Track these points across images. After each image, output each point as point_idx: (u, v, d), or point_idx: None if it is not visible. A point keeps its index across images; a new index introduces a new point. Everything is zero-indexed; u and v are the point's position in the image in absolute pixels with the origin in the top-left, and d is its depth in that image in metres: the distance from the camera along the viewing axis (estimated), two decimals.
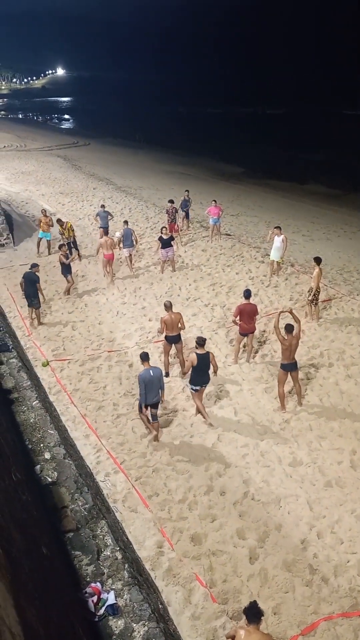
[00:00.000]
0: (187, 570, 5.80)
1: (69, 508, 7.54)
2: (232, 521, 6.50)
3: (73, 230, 15.88)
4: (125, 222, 15.21)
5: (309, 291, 11.76)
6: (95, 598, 6.09)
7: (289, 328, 8.37)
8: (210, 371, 8.28)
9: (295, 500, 6.83)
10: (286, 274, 14.73)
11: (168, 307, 9.55)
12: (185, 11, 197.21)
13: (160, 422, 8.20)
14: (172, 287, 14.01)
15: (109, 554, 6.83)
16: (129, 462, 7.52)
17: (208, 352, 8.20)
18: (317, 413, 8.65)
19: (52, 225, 16.44)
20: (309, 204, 26.67)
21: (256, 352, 10.61)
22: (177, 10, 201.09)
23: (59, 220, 15.86)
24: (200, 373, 8.17)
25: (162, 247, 14.58)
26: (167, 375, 9.65)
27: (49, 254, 16.77)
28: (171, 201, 17.44)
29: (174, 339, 9.61)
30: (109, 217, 17.07)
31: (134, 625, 5.89)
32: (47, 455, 8.71)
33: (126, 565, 6.59)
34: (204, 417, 8.39)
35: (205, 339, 8.21)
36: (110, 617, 5.98)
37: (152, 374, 7.59)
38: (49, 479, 8.16)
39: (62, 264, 13.10)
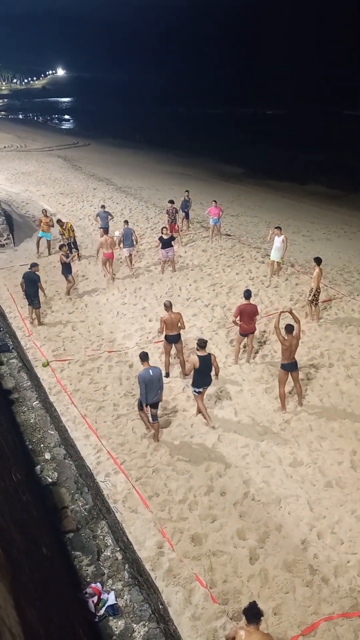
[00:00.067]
0: (187, 570, 5.81)
1: (69, 508, 7.54)
2: (232, 521, 6.50)
3: (73, 231, 15.91)
4: (126, 221, 15.22)
5: (309, 292, 11.77)
6: (95, 598, 6.09)
7: (289, 328, 8.38)
8: (212, 373, 8.29)
9: (295, 501, 6.83)
10: (286, 275, 14.73)
11: (168, 306, 9.57)
12: (185, 11, 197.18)
13: (160, 422, 8.20)
14: (173, 287, 14.01)
15: (109, 554, 6.83)
16: (129, 462, 7.53)
17: (210, 354, 8.19)
18: (317, 413, 8.65)
19: (53, 226, 16.45)
20: (309, 205, 26.65)
21: (256, 352, 10.62)
22: (177, 10, 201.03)
23: (59, 221, 15.88)
24: (202, 375, 8.17)
25: (162, 247, 14.60)
26: (167, 375, 9.65)
27: (49, 254, 16.78)
28: (171, 201, 17.43)
29: (173, 339, 9.62)
30: (109, 217, 17.10)
31: (134, 625, 5.89)
32: (47, 456, 8.71)
33: (126, 566, 6.60)
34: (206, 420, 8.38)
35: (206, 341, 8.21)
36: (111, 618, 5.98)
37: (151, 374, 7.61)
38: (49, 480, 8.16)
39: (63, 263, 13.12)
